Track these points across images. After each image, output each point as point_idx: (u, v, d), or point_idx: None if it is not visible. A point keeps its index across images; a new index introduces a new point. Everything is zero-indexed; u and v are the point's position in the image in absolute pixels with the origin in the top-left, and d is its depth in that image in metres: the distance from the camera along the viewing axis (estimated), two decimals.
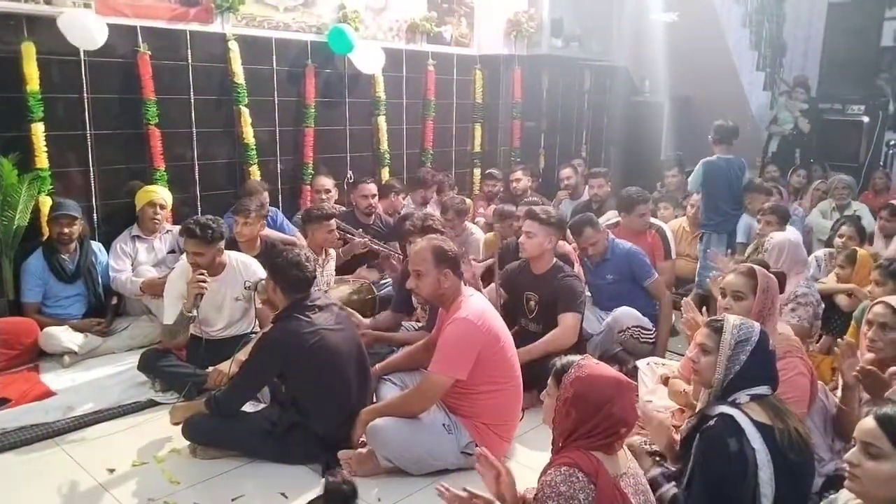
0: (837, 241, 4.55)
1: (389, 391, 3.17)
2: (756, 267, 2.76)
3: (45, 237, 4.11)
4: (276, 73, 5.23)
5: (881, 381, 2.56)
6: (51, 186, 4.16)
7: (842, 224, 4.63)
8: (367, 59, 5.56)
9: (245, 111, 4.99)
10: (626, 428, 1.86)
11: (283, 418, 2.93)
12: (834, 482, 2.38)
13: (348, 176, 5.79)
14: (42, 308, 4.08)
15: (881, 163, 7.91)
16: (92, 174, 4.39)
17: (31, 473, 2.86)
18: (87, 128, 4.31)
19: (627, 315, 3.96)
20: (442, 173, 6.22)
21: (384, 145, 6.01)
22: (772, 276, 2.76)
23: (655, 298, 4.20)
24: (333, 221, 4.43)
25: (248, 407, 3.08)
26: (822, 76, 8.84)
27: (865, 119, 7.96)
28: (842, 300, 3.96)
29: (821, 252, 4.75)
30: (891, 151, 8.03)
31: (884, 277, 3.35)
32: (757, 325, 2.17)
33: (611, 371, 1.94)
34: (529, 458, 2.99)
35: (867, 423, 1.72)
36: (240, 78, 4.92)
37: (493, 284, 3.93)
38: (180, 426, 3.00)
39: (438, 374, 2.78)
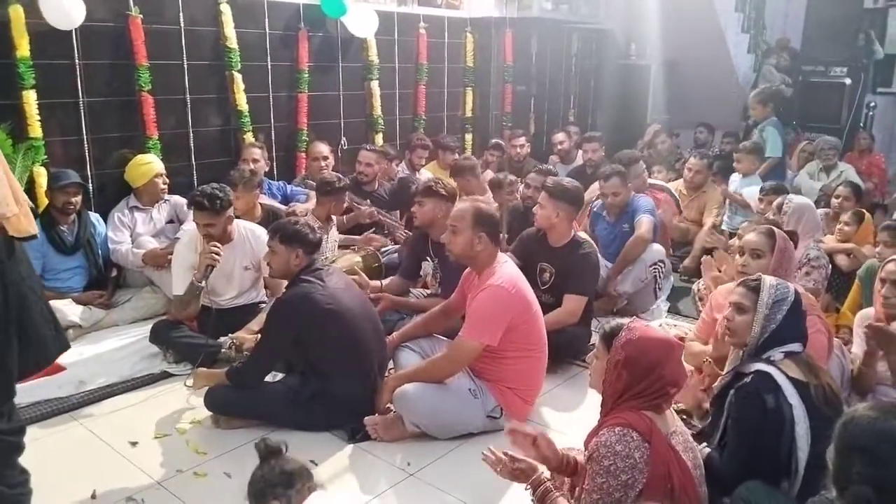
0: (834, 201, 4.64)
1: (408, 358, 3.16)
2: (775, 227, 2.83)
3: (42, 209, 3.98)
4: (269, 37, 5.09)
5: (890, 336, 2.65)
6: (45, 156, 4.02)
7: (839, 185, 4.72)
8: (361, 21, 5.44)
9: (238, 77, 4.86)
10: (675, 388, 1.90)
11: (306, 386, 2.92)
12: None
13: (342, 143, 5.72)
14: (41, 281, 3.98)
15: (861, 125, 8.01)
16: (86, 143, 4.26)
17: (53, 449, 2.83)
18: (80, 95, 4.16)
19: (658, 251, 4.28)
20: (440, 136, 6.17)
21: (377, 110, 5.92)
22: (787, 236, 2.83)
23: (635, 230, 4.29)
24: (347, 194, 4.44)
25: (268, 377, 3.07)
26: (805, 38, 8.85)
27: (848, 81, 8.02)
28: (842, 260, 4.06)
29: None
30: (871, 113, 8.14)
31: (892, 238, 3.44)
32: (791, 285, 2.22)
33: (660, 333, 1.97)
34: (549, 418, 3.08)
35: None
36: (232, 42, 4.78)
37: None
38: (203, 398, 2.98)
39: (470, 340, 2.80)
